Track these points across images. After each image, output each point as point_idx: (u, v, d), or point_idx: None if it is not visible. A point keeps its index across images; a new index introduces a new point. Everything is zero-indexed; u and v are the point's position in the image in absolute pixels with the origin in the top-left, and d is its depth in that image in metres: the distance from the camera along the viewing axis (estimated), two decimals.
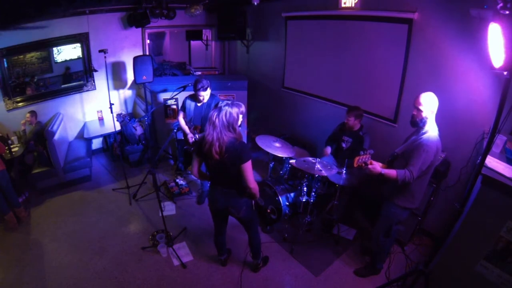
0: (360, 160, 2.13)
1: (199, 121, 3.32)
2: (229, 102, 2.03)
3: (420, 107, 2.09)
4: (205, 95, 3.19)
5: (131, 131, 4.46)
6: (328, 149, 3.38)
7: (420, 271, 2.08)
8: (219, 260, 2.83)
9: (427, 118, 2.10)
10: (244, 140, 4.72)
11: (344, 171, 2.97)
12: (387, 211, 2.43)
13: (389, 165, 2.29)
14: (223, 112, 1.97)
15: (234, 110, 2.00)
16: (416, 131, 2.23)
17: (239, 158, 1.99)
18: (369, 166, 2.14)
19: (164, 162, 4.77)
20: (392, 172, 2.11)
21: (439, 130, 2.15)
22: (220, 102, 2.03)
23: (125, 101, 5.15)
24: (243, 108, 2.09)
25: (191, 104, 3.33)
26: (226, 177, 2.15)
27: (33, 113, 3.92)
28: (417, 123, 2.16)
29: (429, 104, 2.07)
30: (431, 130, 2.11)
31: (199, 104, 3.30)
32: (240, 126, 2.15)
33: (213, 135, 1.97)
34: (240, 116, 2.07)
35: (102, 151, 5.15)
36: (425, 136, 2.09)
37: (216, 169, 2.14)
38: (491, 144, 1.68)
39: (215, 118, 1.96)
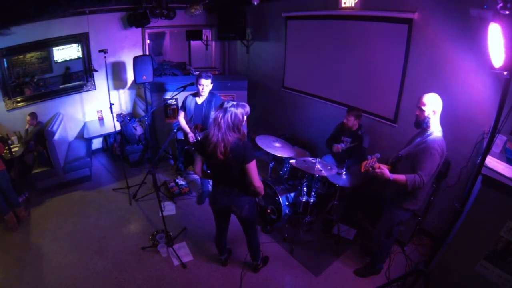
0: (367, 165, 2.13)
1: (200, 120, 3.32)
2: (234, 103, 2.03)
3: (423, 107, 2.08)
4: (205, 84, 3.15)
5: (131, 131, 4.46)
6: (337, 145, 3.27)
7: (420, 271, 2.08)
8: (220, 260, 2.84)
9: (429, 118, 2.08)
10: None
11: (344, 172, 2.97)
12: (389, 212, 2.42)
13: (392, 166, 2.28)
14: (228, 114, 1.97)
15: (240, 111, 2.01)
16: (421, 133, 2.20)
17: (244, 158, 2.00)
18: (377, 171, 2.13)
19: (164, 162, 4.77)
20: (401, 178, 2.08)
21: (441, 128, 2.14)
22: (226, 103, 2.03)
23: (125, 101, 5.15)
24: (248, 109, 2.10)
25: (191, 103, 3.32)
26: (229, 177, 2.16)
27: (33, 115, 3.92)
28: (420, 124, 2.14)
29: (431, 103, 2.05)
30: (436, 132, 2.09)
31: (199, 102, 3.29)
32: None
33: (218, 136, 1.97)
34: (245, 116, 2.07)
35: (102, 151, 5.15)
36: (430, 138, 2.06)
37: (219, 168, 2.16)
38: (491, 144, 1.68)
39: (221, 119, 1.97)
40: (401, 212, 2.34)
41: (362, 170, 2.15)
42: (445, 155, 2.09)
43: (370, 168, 2.14)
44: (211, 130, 2.02)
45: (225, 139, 1.96)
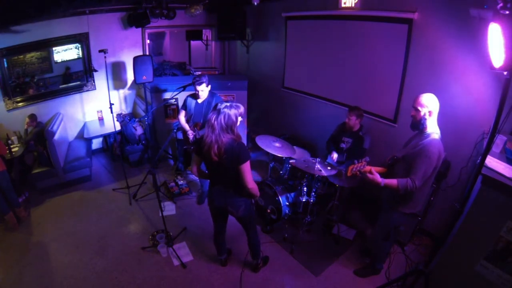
0: (354, 169, 2.08)
1: (200, 119, 3.34)
2: (228, 104, 2.02)
3: (418, 107, 2.03)
4: (200, 90, 3.20)
5: (131, 131, 4.46)
6: (334, 154, 3.31)
7: (420, 271, 2.08)
8: (219, 260, 2.84)
9: (425, 119, 2.03)
10: (244, 140, 4.71)
11: (344, 172, 2.97)
12: (386, 215, 2.39)
13: (389, 169, 2.25)
14: (221, 115, 1.97)
15: (233, 112, 2.00)
16: (418, 134, 2.14)
17: (238, 159, 2.00)
18: (369, 175, 2.09)
19: (164, 162, 4.77)
20: (393, 182, 2.05)
21: (439, 130, 2.11)
22: (219, 104, 2.03)
23: (125, 101, 5.15)
24: (241, 110, 2.08)
25: (192, 102, 3.36)
26: (225, 177, 2.16)
27: (32, 117, 3.92)
28: (417, 125, 2.09)
29: (427, 104, 2.00)
30: (433, 134, 2.03)
31: (199, 102, 3.32)
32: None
33: (211, 137, 1.98)
34: (239, 118, 2.06)
35: (102, 151, 5.15)
36: (427, 140, 2.01)
37: (215, 169, 2.16)
38: (491, 144, 1.68)
39: (214, 121, 1.97)
40: (397, 215, 2.29)
41: (349, 174, 2.10)
42: (442, 157, 2.03)
43: (358, 173, 2.09)
44: (205, 132, 2.03)
45: (219, 141, 1.97)
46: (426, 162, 1.97)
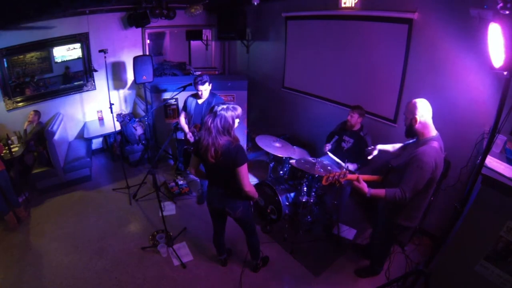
0: (330, 178, 1.98)
1: (199, 120, 3.33)
2: (224, 106, 2.00)
3: (406, 115, 1.98)
4: (204, 89, 3.19)
5: (131, 131, 4.46)
6: (327, 145, 3.24)
7: (420, 271, 2.08)
8: (219, 260, 2.84)
9: (412, 125, 1.95)
10: (244, 141, 4.72)
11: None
12: (384, 226, 2.36)
13: (384, 177, 2.21)
14: (218, 118, 1.95)
15: (229, 114, 1.98)
16: (416, 142, 2.05)
17: (234, 161, 1.98)
18: (355, 183, 2.01)
19: (164, 162, 4.77)
20: (380, 193, 1.95)
21: (439, 130, 2.04)
22: (216, 107, 2.01)
23: (125, 101, 5.15)
24: (239, 111, 2.06)
25: (192, 103, 3.35)
26: (222, 178, 2.16)
27: (36, 112, 3.94)
28: (408, 132, 2.03)
29: (411, 110, 1.93)
30: (430, 141, 1.92)
31: (200, 103, 3.31)
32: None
33: (208, 140, 1.97)
34: (236, 120, 2.04)
35: (102, 151, 5.15)
36: (421, 149, 1.89)
37: (212, 170, 2.16)
38: (491, 144, 1.68)
39: (210, 124, 1.95)
40: (394, 227, 2.23)
41: (324, 183, 1.99)
42: (441, 167, 1.93)
43: (337, 182, 2.00)
44: (202, 134, 2.02)
45: (216, 143, 1.95)
46: (419, 173, 1.86)
